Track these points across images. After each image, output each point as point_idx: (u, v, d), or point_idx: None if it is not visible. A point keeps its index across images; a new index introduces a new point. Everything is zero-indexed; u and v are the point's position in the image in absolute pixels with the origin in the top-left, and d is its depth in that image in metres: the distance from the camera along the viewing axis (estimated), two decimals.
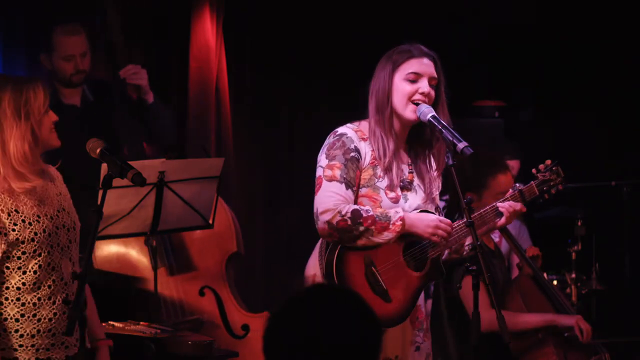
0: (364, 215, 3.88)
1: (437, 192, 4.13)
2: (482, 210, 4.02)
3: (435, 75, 3.98)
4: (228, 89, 6.18)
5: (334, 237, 3.92)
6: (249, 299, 5.50)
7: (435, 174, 4.09)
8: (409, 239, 3.97)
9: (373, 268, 3.92)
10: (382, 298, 3.90)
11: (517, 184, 4.14)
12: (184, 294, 5.18)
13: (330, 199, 3.91)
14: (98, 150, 3.66)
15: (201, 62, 6.03)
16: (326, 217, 3.89)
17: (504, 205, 4.02)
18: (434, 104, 3.97)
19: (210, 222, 4.74)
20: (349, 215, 3.88)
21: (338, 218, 3.88)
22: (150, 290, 4.81)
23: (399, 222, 3.89)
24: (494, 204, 4.04)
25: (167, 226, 4.61)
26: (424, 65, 3.97)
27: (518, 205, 4.05)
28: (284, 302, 2.48)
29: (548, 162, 4.17)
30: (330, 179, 3.94)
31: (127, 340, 4.22)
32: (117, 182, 3.67)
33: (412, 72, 3.95)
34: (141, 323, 4.41)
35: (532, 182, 4.13)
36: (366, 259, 3.91)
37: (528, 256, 5.20)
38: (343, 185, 3.93)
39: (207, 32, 6.02)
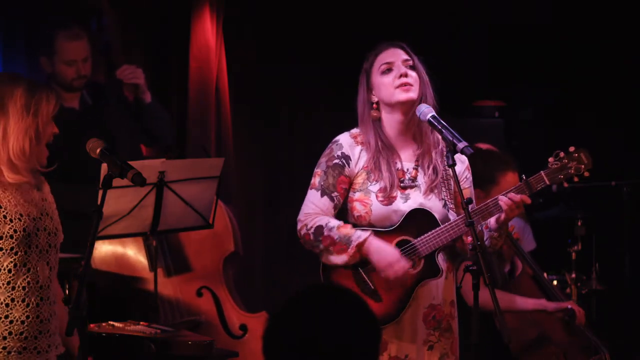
0: (325, 233, 3.92)
1: (463, 184, 4.05)
2: (482, 205, 3.98)
3: (407, 57, 4.01)
4: (228, 89, 6.18)
5: (306, 247, 4.01)
6: (248, 299, 5.50)
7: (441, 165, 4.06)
8: (400, 237, 3.97)
9: (360, 269, 3.94)
10: (370, 297, 3.92)
11: (524, 175, 4.00)
12: (181, 295, 5.18)
13: (305, 207, 4.01)
14: (98, 150, 3.65)
15: (201, 62, 6.03)
16: (298, 226, 4.01)
17: (503, 199, 3.92)
18: (420, 87, 3.98)
19: (211, 222, 4.74)
20: (312, 230, 3.95)
21: (304, 230, 3.97)
22: (148, 291, 4.81)
23: (354, 248, 3.91)
24: (496, 197, 3.98)
25: (167, 226, 4.61)
26: (392, 53, 4.01)
27: (518, 197, 3.90)
28: (284, 302, 2.48)
29: (571, 148, 4.01)
30: (311, 187, 4.03)
31: (127, 340, 4.22)
32: (117, 182, 3.67)
33: (383, 64, 3.99)
34: (141, 323, 4.41)
35: (541, 171, 3.98)
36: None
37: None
38: (318, 192, 3.99)
39: (207, 32, 6.01)
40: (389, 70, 3.99)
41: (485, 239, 4.04)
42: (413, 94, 3.96)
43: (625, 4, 6.75)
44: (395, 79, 3.97)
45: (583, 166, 4.01)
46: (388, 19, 6.47)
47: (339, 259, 3.93)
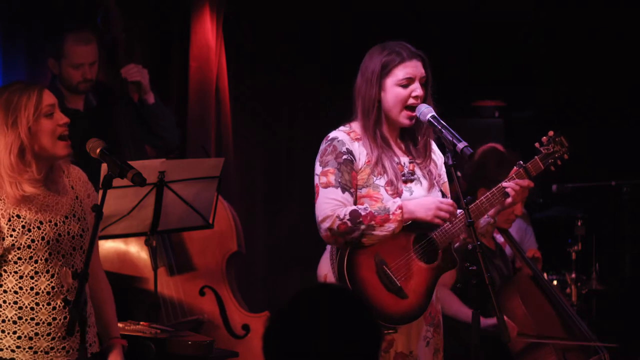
0: (363, 213, 3.89)
1: (441, 180, 4.12)
2: (488, 194, 4.03)
3: (425, 75, 4.01)
4: (228, 89, 6.17)
5: (338, 242, 3.94)
6: (248, 299, 5.50)
7: (435, 161, 4.11)
8: (417, 232, 3.98)
9: (384, 266, 3.93)
10: (397, 295, 3.92)
11: (521, 161, 4.10)
12: (184, 294, 5.18)
13: (328, 205, 3.93)
14: (98, 150, 3.65)
15: (201, 62, 6.03)
16: (326, 224, 3.92)
17: (510, 184, 4.02)
18: (422, 100, 4.00)
19: (210, 222, 4.74)
20: (347, 217, 3.89)
21: (338, 222, 3.90)
22: (151, 290, 4.81)
23: (398, 211, 3.90)
24: (500, 184, 4.04)
25: (167, 226, 4.61)
26: (414, 67, 3.99)
27: (525, 182, 4.03)
28: (284, 303, 2.48)
29: (550, 133, 4.12)
30: (326, 186, 3.96)
31: (127, 340, 4.21)
32: (117, 182, 3.67)
33: (404, 78, 3.98)
34: (141, 323, 4.40)
35: (536, 157, 4.10)
36: (376, 257, 3.92)
37: (528, 257, 5.20)
38: (339, 189, 3.94)
39: (207, 32, 6.01)
40: (406, 85, 3.98)
41: (482, 225, 4.12)
42: (414, 121, 4.00)
43: (625, 4, 6.76)
44: (409, 97, 3.97)
45: (565, 149, 4.13)
46: (388, 19, 6.47)
47: (384, 230, 3.90)
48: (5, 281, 3.60)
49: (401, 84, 3.97)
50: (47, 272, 3.60)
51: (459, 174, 3.90)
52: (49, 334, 3.61)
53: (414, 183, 4.04)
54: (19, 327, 3.59)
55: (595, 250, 6.06)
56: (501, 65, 6.96)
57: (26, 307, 3.59)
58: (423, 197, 4.00)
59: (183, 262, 5.24)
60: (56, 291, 3.62)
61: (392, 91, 3.98)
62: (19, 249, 3.57)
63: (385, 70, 3.99)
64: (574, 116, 6.98)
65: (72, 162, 3.79)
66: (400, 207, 3.91)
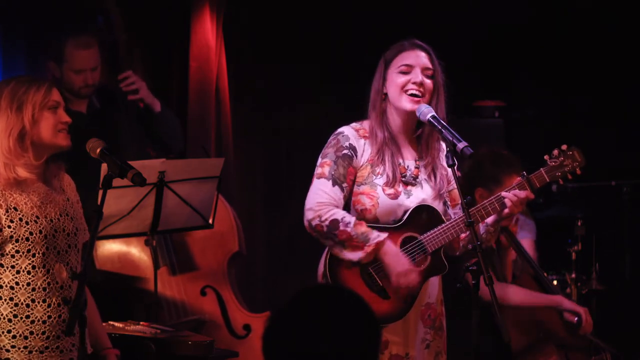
0: (341, 228, 3.90)
1: (450, 187, 4.11)
2: (485, 202, 4.01)
3: (429, 66, 4.00)
4: (228, 88, 6.18)
5: (313, 236, 3.99)
6: (249, 299, 5.50)
7: (444, 170, 4.09)
8: (406, 233, 3.97)
9: (368, 266, 3.94)
10: (379, 296, 3.92)
11: (524, 172, 4.06)
12: (185, 294, 5.19)
13: (316, 196, 3.97)
14: (98, 150, 3.66)
15: (201, 62, 6.03)
16: (308, 215, 3.97)
17: (508, 195, 3.98)
18: (431, 96, 3.98)
19: (211, 222, 4.74)
20: (327, 222, 3.92)
21: (317, 221, 3.93)
22: (151, 290, 4.81)
23: (373, 246, 3.89)
24: (499, 193, 4.02)
25: (167, 226, 4.61)
26: (415, 56, 4.00)
27: (523, 194, 3.97)
28: (284, 303, 2.48)
29: (564, 146, 4.07)
30: (320, 176, 4.00)
31: (127, 340, 4.22)
32: (117, 182, 3.68)
33: (403, 64, 3.99)
34: (141, 323, 4.41)
35: (541, 169, 4.06)
36: None
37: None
38: (330, 182, 3.97)
39: (207, 32, 6.01)
40: (406, 72, 3.99)
41: (481, 233, 4.08)
42: (418, 106, 3.97)
43: (624, 4, 6.76)
44: (409, 83, 3.97)
45: (577, 164, 4.08)
46: (389, 19, 6.47)
47: (352, 255, 3.91)
48: (1, 276, 3.60)
49: (400, 71, 3.99)
50: (44, 267, 3.61)
51: (459, 173, 3.89)
52: (43, 333, 3.61)
53: (415, 187, 4.03)
54: (13, 326, 3.59)
55: (595, 250, 6.05)
56: (501, 65, 6.95)
57: (22, 303, 3.59)
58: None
59: (184, 262, 5.24)
60: (52, 287, 3.62)
61: (393, 79, 4.00)
62: (17, 241, 3.57)
63: (387, 62, 4.02)
64: (574, 116, 6.98)
65: (69, 168, 3.81)
66: (377, 244, 3.90)
